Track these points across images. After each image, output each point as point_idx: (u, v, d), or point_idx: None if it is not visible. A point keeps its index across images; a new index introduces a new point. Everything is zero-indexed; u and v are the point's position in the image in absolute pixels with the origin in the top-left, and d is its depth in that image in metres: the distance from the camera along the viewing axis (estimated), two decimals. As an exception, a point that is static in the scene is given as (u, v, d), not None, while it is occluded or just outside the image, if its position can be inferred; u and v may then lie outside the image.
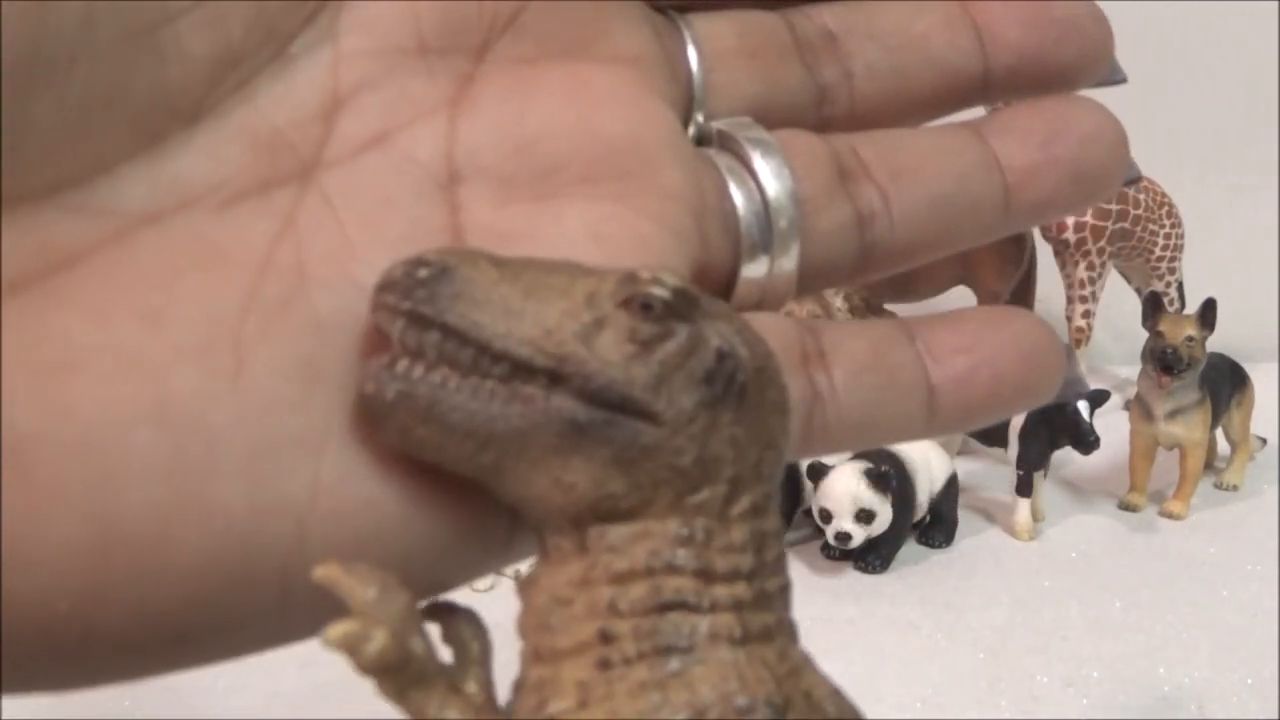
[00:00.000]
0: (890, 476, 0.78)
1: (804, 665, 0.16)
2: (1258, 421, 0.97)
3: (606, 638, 0.15)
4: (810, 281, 0.22)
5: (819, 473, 0.80)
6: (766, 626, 0.16)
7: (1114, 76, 0.23)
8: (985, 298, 1.18)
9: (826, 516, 0.79)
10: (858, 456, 0.83)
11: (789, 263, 0.21)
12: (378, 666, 0.15)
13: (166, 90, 0.16)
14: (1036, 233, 1.15)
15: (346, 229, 0.17)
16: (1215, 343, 0.88)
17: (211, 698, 0.63)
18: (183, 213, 0.16)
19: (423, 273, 0.16)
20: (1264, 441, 1.00)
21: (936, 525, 0.85)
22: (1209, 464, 0.95)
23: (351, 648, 0.15)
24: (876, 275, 0.23)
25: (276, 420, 0.16)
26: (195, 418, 0.15)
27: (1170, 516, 0.90)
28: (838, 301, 0.93)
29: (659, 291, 0.16)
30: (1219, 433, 0.96)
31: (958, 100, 0.23)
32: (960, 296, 1.19)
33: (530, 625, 0.16)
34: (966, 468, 0.94)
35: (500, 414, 0.16)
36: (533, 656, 0.16)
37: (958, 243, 0.23)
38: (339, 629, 0.15)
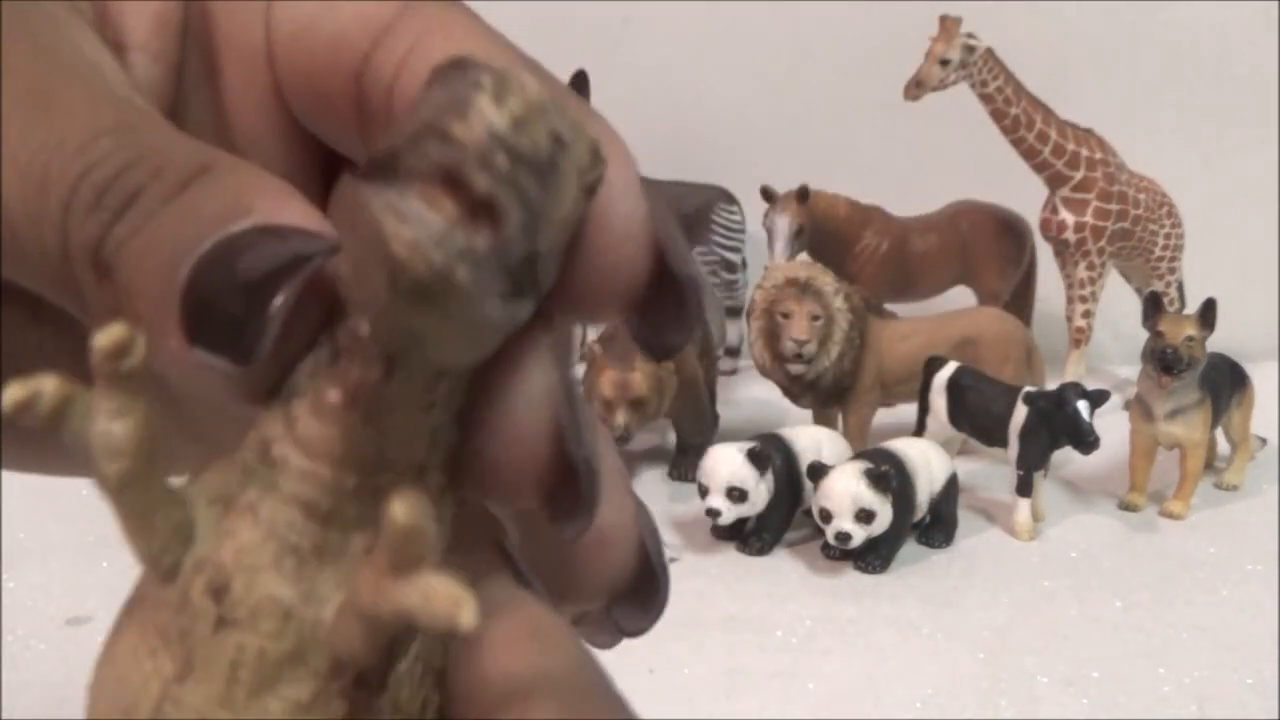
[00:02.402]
0: (890, 476, 0.78)
1: None
2: (1258, 421, 0.97)
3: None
4: None
5: (819, 473, 0.80)
6: None
7: None
8: (985, 298, 1.18)
9: (826, 516, 0.79)
10: (858, 457, 0.83)
11: None
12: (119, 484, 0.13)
13: None
14: (1036, 233, 1.16)
15: None
16: (1215, 343, 0.88)
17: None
18: None
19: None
20: (1264, 441, 1.00)
21: (936, 525, 0.85)
22: (1209, 464, 0.95)
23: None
24: None
25: None
26: None
27: (1170, 516, 0.90)
28: (838, 302, 0.93)
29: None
30: (1219, 433, 0.96)
31: None
32: (960, 296, 1.19)
33: None
34: (966, 468, 0.94)
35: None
36: None
37: None
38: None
